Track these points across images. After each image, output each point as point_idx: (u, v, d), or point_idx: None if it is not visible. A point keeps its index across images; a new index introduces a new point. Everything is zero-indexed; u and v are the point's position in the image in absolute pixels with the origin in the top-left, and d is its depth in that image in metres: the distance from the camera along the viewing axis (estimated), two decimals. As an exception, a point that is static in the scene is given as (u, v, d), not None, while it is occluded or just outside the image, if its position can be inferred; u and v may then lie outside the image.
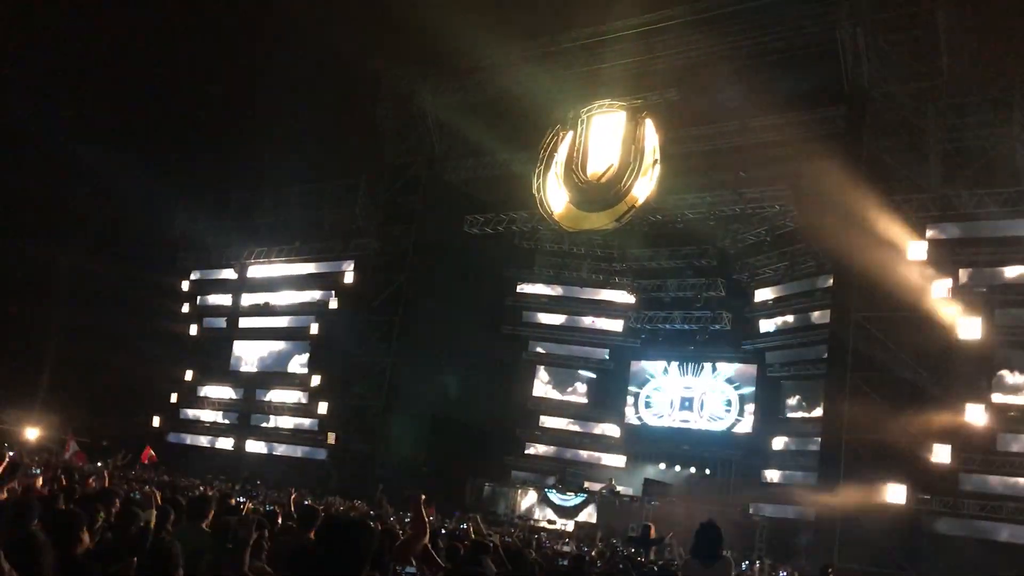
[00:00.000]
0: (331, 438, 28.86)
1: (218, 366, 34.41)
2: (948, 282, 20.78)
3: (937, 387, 19.72)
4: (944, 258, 21.07)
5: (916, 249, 20.84)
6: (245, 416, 33.32)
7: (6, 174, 30.04)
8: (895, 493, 19.56)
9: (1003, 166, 20.83)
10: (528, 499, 26.59)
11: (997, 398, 20.46)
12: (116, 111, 32.04)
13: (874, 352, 20.06)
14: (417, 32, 23.84)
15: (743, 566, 17.88)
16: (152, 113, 33.24)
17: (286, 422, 32.16)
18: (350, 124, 30.66)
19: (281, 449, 31.84)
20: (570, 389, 32.49)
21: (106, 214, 33.86)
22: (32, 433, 27.78)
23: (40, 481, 9.69)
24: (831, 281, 24.05)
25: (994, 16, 21.23)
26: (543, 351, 33.01)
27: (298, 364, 32.53)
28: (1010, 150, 20.62)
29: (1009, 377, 20.79)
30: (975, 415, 19.95)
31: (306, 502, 13.12)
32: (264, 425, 32.83)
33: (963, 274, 21.19)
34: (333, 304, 31.38)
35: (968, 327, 20.37)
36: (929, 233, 21.26)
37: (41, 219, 33.07)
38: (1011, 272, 21.08)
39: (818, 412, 24.25)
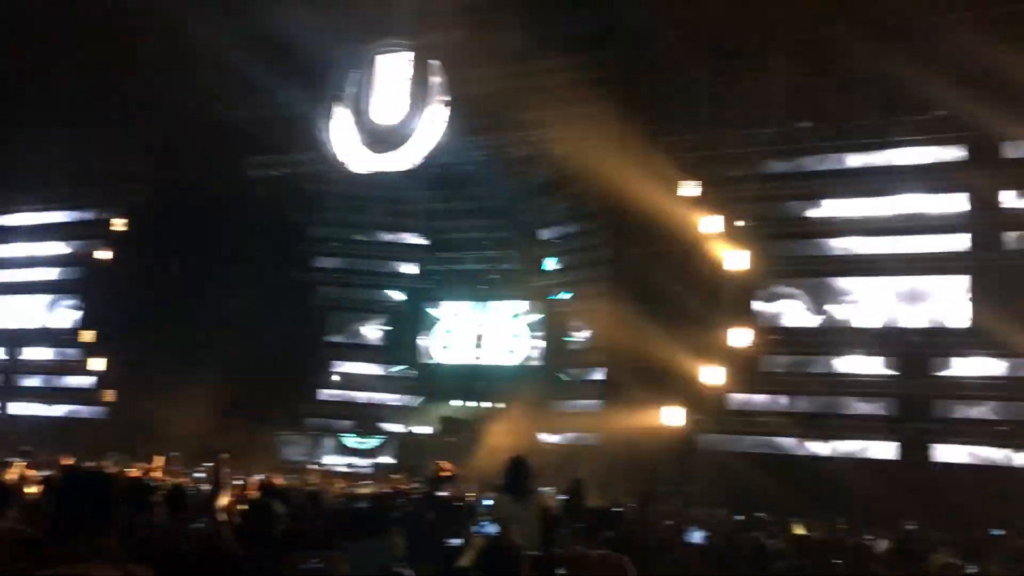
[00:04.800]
0: (108, 396, 27.20)
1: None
2: (718, 218, 22.34)
3: (709, 316, 21.29)
4: (713, 195, 22.60)
5: (688, 188, 22.22)
6: (8, 377, 30.79)
7: None
8: (672, 415, 21.06)
9: (765, 108, 22.46)
10: (325, 446, 26.41)
11: (761, 323, 22.36)
12: None
13: (651, 285, 21.29)
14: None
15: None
16: None
17: (57, 382, 30.03)
18: (116, 60, 28.30)
19: (53, 411, 29.74)
20: (363, 333, 32.29)
21: None
22: None
23: None
24: (610, 219, 25.11)
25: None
26: (335, 296, 32.51)
27: (69, 319, 30.32)
28: (771, 93, 22.24)
29: (770, 304, 22.75)
30: (742, 339, 21.75)
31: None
32: (31, 385, 30.51)
33: (730, 210, 22.80)
34: (106, 255, 29.36)
35: (736, 259, 22.06)
36: (699, 172, 22.68)
37: None
38: (771, 208, 22.94)
39: (602, 343, 25.48)
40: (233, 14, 26.20)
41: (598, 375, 25.90)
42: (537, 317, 29.88)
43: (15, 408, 30.07)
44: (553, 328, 29.38)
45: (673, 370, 20.77)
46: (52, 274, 31.13)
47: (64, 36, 27.44)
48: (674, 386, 21.00)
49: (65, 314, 30.53)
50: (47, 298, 31.17)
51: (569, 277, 29.05)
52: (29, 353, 30.90)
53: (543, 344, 29.56)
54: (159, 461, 11.51)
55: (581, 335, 28.65)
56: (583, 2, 22.93)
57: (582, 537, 7.54)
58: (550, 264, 29.81)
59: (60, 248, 31.13)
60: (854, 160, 22.22)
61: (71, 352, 29.76)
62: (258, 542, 5.00)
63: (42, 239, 31.38)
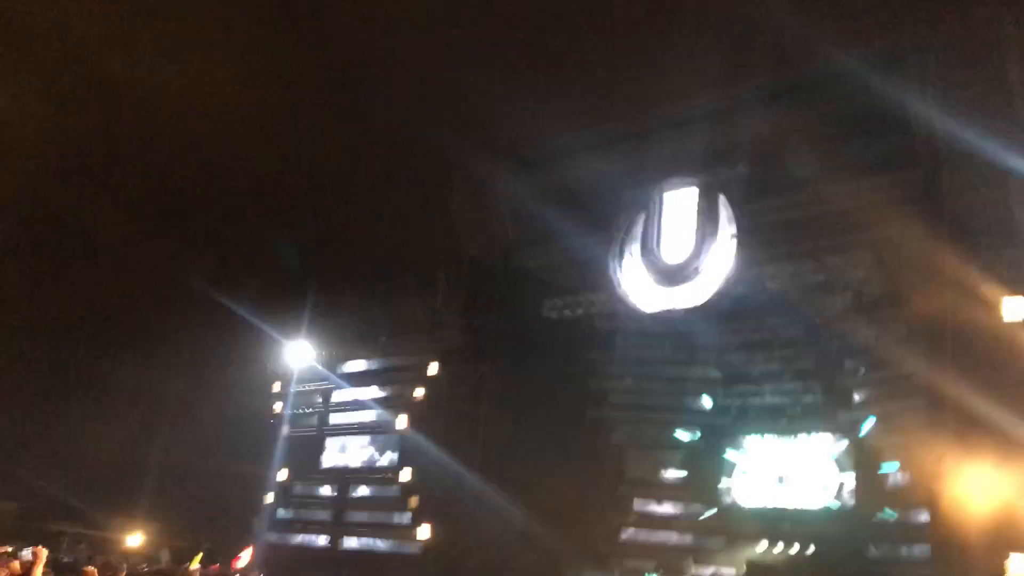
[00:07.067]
0: (423, 532, 28.81)
1: (310, 463, 34.97)
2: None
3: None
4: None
5: (1015, 305, 20.25)
6: (339, 513, 33.67)
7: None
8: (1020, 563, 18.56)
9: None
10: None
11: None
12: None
13: (977, 414, 19.34)
14: (489, 120, 24.58)
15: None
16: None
17: (378, 517, 32.32)
18: (426, 217, 31.44)
19: (375, 544, 31.92)
20: (661, 471, 31.82)
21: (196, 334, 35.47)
22: (134, 540, 28.47)
23: None
24: (924, 344, 23.35)
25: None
26: (632, 433, 32.49)
27: (388, 458, 32.83)
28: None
29: None
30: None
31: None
32: (357, 521, 33.08)
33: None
34: (419, 395, 31.75)
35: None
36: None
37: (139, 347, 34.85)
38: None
39: (925, 479, 23.26)
40: (528, 170, 28.36)
41: (923, 515, 23.51)
42: (847, 452, 27.95)
43: (346, 542, 32.71)
44: (866, 464, 27.27)
45: (1016, 509, 18.45)
46: (374, 416, 34.03)
47: (377, 193, 31.00)
48: (1019, 527, 18.59)
49: (387, 454, 33.10)
50: (370, 438, 34.04)
51: (881, 408, 27.05)
52: (356, 490, 33.66)
53: (855, 482, 27.48)
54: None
55: (899, 471, 26.35)
56: (878, 123, 22.26)
57: None
58: (858, 395, 27.99)
59: (381, 392, 34.08)
60: None
61: (391, 489, 32.03)
62: None
63: (366, 384, 34.56)
